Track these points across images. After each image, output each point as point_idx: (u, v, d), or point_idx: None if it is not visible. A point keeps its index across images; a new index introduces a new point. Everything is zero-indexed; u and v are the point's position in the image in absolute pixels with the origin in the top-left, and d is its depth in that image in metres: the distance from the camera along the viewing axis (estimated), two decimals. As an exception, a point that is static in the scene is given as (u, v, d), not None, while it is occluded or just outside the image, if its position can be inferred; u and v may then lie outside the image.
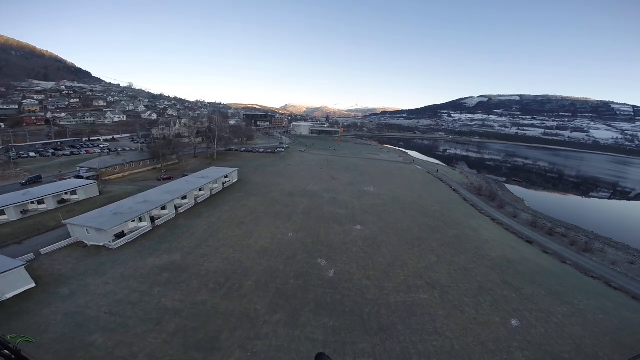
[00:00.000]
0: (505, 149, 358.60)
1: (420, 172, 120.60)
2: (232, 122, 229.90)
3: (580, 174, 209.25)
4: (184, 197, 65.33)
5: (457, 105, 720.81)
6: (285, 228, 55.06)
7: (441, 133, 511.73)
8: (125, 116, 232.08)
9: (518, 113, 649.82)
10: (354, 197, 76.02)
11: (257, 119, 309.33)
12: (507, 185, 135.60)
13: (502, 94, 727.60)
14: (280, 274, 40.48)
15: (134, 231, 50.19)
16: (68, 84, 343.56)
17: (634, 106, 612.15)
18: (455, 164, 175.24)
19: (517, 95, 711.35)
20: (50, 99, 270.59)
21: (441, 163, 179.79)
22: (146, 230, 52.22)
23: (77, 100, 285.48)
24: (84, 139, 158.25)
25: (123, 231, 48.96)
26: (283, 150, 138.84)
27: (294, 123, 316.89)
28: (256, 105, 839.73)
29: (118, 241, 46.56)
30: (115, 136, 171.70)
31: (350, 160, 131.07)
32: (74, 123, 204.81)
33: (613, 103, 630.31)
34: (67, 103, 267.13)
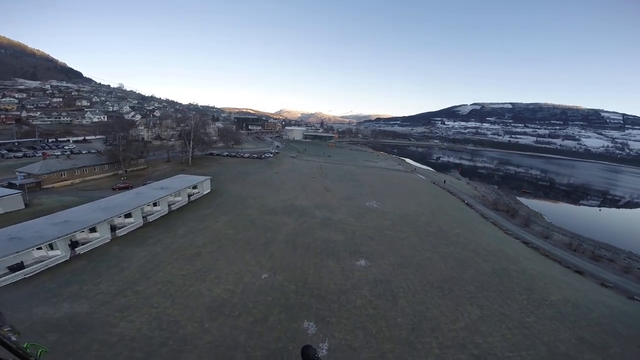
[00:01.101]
0: (501, 157, 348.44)
1: (425, 183, 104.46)
2: (220, 124, 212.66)
3: (585, 183, 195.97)
4: (128, 215, 48.04)
5: (451, 113, 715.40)
6: (259, 264, 37.97)
7: (436, 140, 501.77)
8: (106, 117, 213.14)
9: (510, 121, 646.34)
10: (354, 215, 59.21)
11: (248, 123, 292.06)
12: (518, 197, 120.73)
13: (494, 101, 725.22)
14: (239, 353, 23.51)
15: (40, 262, 33.48)
16: (55, 83, 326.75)
17: (623, 114, 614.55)
18: (460, 174, 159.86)
19: (510, 103, 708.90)
20: (32, 98, 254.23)
21: (434, 170, 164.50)
22: (59, 261, 35.18)
23: (60, 99, 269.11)
24: (50, 140, 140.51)
25: (22, 262, 32.06)
26: (271, 155, 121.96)
27: (287, 127, 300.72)
28: (250, 109, 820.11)
29: (10, 276, 30.00)
30: (88, 137, 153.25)
31: (346, 168, 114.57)
32: (48, 122, 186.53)
33: (603, 111, 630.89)
34: (47, 102, 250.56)
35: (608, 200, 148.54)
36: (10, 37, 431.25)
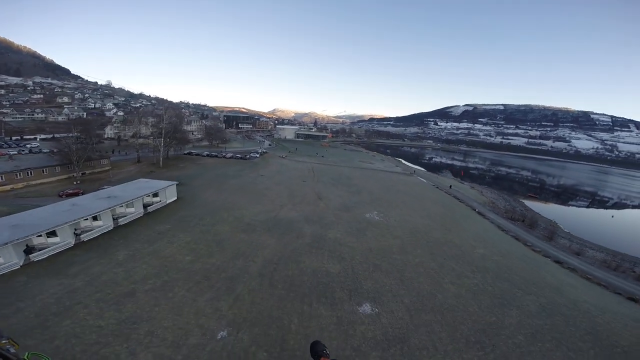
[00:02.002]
0: (495, 158, 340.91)
1: (428, 188, 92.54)
2: (207, 122, 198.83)
3: (586, 185, 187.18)
4: (52, 234, 35.17)
5: (443, 114, 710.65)
6: (216, 314, 25.49)
7: (429, 141, 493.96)
8: (85, 114, 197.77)
9: (502, 122, 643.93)
10: (353, 232, 46.73)
11: (238, 121, 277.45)
12: (525, 202, 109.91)
13: (486, 103, 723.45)
14: None
15: None
16: (38, 79, 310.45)
17: (612, 116, 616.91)
18: (462, 176, 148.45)
19: (501, 105, 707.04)
20: (10, 95, 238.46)
21: (436, 174, 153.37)
22: None
23: (41, 96, 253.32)
24: (14, 138, 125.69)
25: None
26: (257, 155, 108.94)
27: (279, 126, 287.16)
28: (243, 108, 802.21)
29: None
30: (58, 135, 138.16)
31: (342, 170, 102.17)
32: (20, 119, 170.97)
33: (592, 113, 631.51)
34: (26, 99, 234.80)
35: (616, 204, 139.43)
36: None
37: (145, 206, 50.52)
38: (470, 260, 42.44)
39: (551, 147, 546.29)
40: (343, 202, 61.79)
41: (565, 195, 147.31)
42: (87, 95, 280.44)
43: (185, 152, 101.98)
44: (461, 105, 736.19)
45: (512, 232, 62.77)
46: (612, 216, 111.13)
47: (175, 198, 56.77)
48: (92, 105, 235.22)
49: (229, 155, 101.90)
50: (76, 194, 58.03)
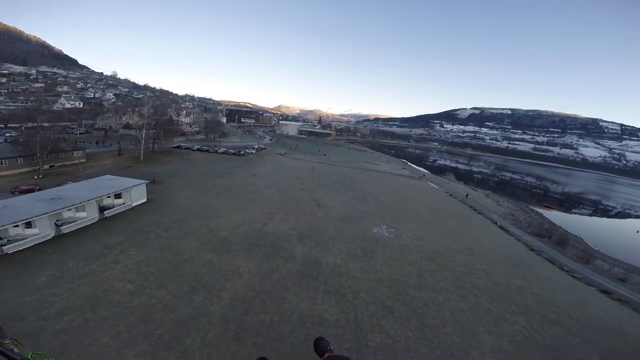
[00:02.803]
0: (502, 163, 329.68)
1: (441, 195, 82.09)
2: (207, 115, 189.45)
3: (600, 195, 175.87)
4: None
5: (450, 116, 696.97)
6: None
7: (435, 143, 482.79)
8: (82, 103, 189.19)
9: (509, 127, 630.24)
10: (357, 255, 36.72)
11: (240, 115, 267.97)
12: (543, 212, 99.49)
13: (494, 107, 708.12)
14: None
15: None
16: (44, 69, 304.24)
17: (621, 125, 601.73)
18: (476, 183, 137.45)
19: (509, 109, 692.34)
20: (12, 83, 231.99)
21: (449, 179, 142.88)
22: None
23: (42, 85, 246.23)
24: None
25: None
26: (253, 152, 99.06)
27: (281, 122, 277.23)
28: (249, 103, 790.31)
29: None
30: (46, 124, 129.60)
31: (345, 172, 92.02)
32: (13, 107, 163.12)
33: (601, 121, 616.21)
34: (26, 87, 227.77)
35: (636, 216, 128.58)
36: (7, 23, 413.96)
37: (103, 210, 40.96)
38: (507, 296, 32.75)
39: (558, 153, 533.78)
40: (346, 211, 51.72)
41: (581, 205, 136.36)
42: (89, 85, 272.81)
43: (175, 145, 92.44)
44: (468, 108, 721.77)
45: (544, 252, 52.63)
46: (638, 231, 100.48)
47: (144, 200, 47.10)
48: (92, 95, 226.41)
49: (222, 150, 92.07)
50: (31, 191, 48.85)
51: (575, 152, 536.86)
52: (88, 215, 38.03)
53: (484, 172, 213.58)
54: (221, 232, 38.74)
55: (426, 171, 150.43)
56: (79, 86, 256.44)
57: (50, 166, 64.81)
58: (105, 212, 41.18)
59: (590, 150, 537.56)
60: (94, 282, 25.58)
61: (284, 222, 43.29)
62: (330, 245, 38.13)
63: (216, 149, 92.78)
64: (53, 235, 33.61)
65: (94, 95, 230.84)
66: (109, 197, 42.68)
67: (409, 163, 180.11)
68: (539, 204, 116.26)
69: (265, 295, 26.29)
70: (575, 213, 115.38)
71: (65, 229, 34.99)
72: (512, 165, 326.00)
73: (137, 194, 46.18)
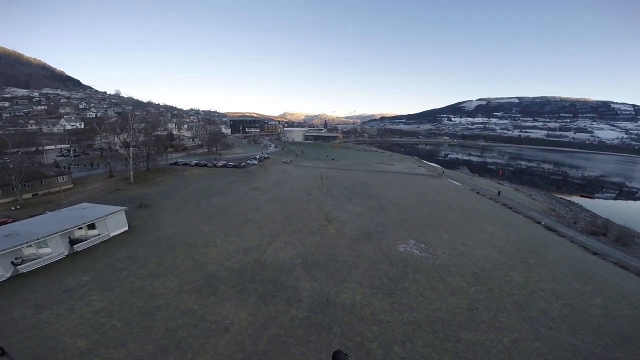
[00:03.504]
0: (517, 152, 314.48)
1: (469, 194, 71.83)
2: (209, 127, 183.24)
3: (630, 178, 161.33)
4: None
5: (456, 109, 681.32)
6: None
7: (445, 137, 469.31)
8: (83, 123, 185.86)
9: (518, 115, 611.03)
10: (382, 287, 27.44)
11: (245, 125, 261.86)
12: (580, 203, 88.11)
13: (500, 96, 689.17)
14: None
15: None
16: (48, 91, 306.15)
17: (634, 105, 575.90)
18: (501, 177, 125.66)
19: (516, 98, 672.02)
20: (15, 106, 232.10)
21: (468, 173, 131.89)
22: None
23: (45, 107, 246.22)
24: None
25: None
26: (256, 162, 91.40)
27: (286, 128, 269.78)
28: (254, 113, 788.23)
29: None
30: (42, 148, 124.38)
31: (357, 176, 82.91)
32: (12, 131, 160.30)
33: (613, 103, 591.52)
34: (27, 111, 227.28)
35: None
36: (6, 47, 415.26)
37: (74, 242, 33.75)
38: (592, 323, 24.06)
39: (573, 138, 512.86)
40: (362, 224, 42.71)
41: (617, 190, 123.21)
42: (91, 105, 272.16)
43: (171, 162, 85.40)
44: (474, 99, 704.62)
45: (609, 256, 42.43)
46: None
47: (125, 229, 39.37)
48: (94, 115, 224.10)
49: (221, 163, 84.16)
50: (4, 223, 41.69)
51: (591, 136, 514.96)
52: (53, 251, 30.80)
53: (503, 163, 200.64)
54: (209, 266, 30.46)
55: (443, 168, 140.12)
56: (81, 106, 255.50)
57: (33, 195, 58.10)
58: (76, 245, 33.92)
59: (606, 133, 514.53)
60: (39, 337, 18.28)
61: (288, 247, 34.60)
62: (347, 276, 29.26)
63: (215, 162, 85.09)
64: (8, 276, 26.69)
65: (96, 115, 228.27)
66: (80, 228, 35.53)
67: (423, 160, 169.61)
68: (572, 193, 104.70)
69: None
70: (613, 199, 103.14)
71: (24, 267, 27.80)
72: (529, 153, 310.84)
73: (114, 223, 38.46)
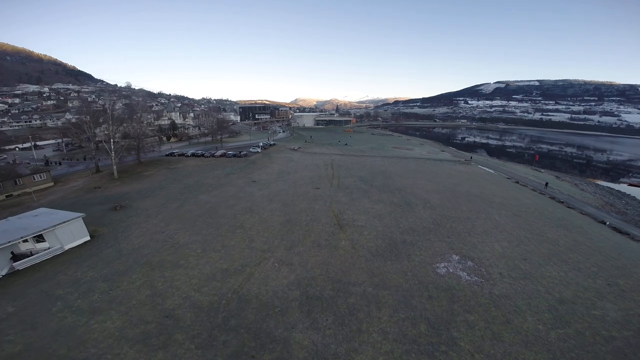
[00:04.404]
0: (540, 135, 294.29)
1: (508, 185, 59.64)
2: (216, 115, 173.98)
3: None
4: None
5: (473, 92, 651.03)
6: None
7: (463, 120, 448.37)
8: (88, 117, 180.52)
9: (539, 98, 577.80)
10: (421, 341, 17.20)
11: (254, 112, 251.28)
12: (630, 193, 74.76)
13: (519, 79, 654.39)
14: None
15: None
16: (60, 86, 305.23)
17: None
18: (537, 162, 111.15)
19: (536, 81, 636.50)
20: (25, 102, 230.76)
21: (500, 160, 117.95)
22: None
23: (54, 102, 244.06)
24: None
25: None
26: (259, 150, 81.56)
27: (296, 113, 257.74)
28: (265, 100, 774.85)
29: None
30: (40, 142, 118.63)
31: (373, 163, 71.89)
32: (17, 127, 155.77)
33: None
34: (36, 106, 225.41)
35: None
36: (15, 44, 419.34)
37: (17, 258, 25.63)
38: None
39: (598, 122, 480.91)
40: (385, 231, 32.31)
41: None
42: (101, 97, 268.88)
43: (168, 152, 76.60)
44: (492, 82, 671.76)
45: None
46: None
47: (86, 239, 30.73)
48: (101, 108, 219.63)
49: (219, 153, 74.47)
50: None
51: (618, 119, 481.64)
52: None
53: (532, 148, 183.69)
54: (170, 299, 21.17)
55: (468, 152, 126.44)
56: (90, 100, 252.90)
57: (7, 196, 50.54)
58: (17, 263, 25.74)
59: (635, 117, 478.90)
60: None
61: (283, 269, 24.71)
62: (365, 320, 19.22)
63: (213, 152, 75.79)
64: None
65: (103, 107, 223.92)
66: (26, 241, 27.32)
67: (443, 145, 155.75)
68: (616, 181, 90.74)
69: None
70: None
71: None
72: (553, 136, 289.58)
73: (68, 233, 29.65)
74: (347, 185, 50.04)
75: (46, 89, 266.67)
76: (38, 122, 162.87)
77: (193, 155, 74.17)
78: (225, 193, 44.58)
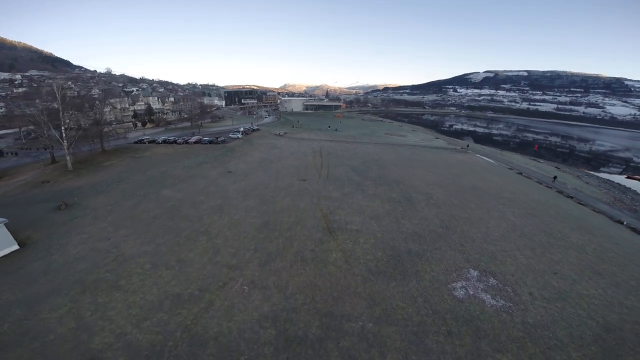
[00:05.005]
0: (528, 124, 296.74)
1: (512, 177, 54.34)
2: (205, 100, 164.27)
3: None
4: None
5: (462, 81, 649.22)
6: None
7: (452, 108, 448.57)
8: (59, 103, 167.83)
9: (527, 88, 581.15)
10: None
11: (240, 97, 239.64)
12: (630, 186, 71.59)
13: (508, 69, 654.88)
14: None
15: None
16: (31, 73, 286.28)
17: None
18: (536, 152, 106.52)
19: (525, 71, 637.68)
20: None
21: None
22: None
23: (25, 89, 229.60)
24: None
25: None
26: (240, 136, 73.79)
27: (284, 98, 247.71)
28: (254, 86, 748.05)
29: None
30: (1, 132, 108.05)
31: (366, 151, 65.65)
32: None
33: (626, 79, 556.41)
34: (5, 94, 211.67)
35: None
36: None
37: None
38: None
39: (584, 113, 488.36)
40: (385, 236, 26.29)
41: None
42: (78, 84, 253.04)
43: (137, 139, 68.32)
44: (481, 71, 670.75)
45: None
46: None
47: (13, 248, 24.10)
48: (75, 94, 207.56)
49: (194, 139, 66.63)
50: None
51: (602, 111, 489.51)
52: None
53: (519, 137, 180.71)
54: (98, 336, 15.13)
55: (460, 139, 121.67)
56: (66, 86, 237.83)
57: None
58: None
59: (619, 109, 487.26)
60: None
61: (254, 295, 18.52)
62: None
63: (187, 138, 67.89)
64: None
65: (77, 94, 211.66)
66: None
67: (435, 132, 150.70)
68: (613, 173, 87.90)
69: None
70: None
71: None
72: (541, 126, 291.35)
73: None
74: (338, 177, 43.82)
75: (18, 76, 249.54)
76: (2, 110, 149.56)
77: (164, 142, 65.90)
78: (194, 187, 37.64)
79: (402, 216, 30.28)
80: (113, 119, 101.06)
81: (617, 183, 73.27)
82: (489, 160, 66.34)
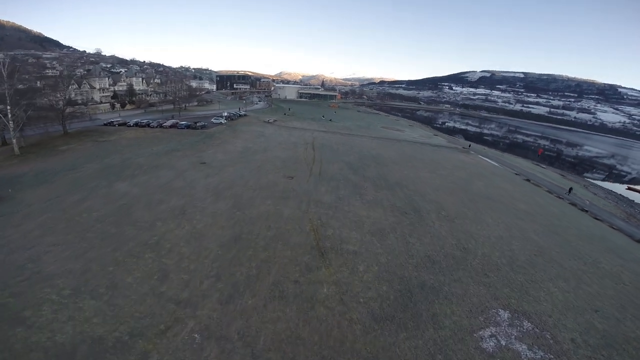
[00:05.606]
0: (520, 126, 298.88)
1: (522, 183, 50.22)
2: (194, 83, 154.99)
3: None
4: None
5: (459, 79, 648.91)
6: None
7: (447, 105, 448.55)
8: (39, 82, 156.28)
9: (522, 90, 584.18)
10: None
11: (233, 81, 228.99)
12: (633, 198, 68.37)
13: (505, 70, 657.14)
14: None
15: None
16: (15, 52, 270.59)
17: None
18: (540, 156, 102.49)
19: (522, 73, 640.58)
20: None
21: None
22: None
23: (3, 69, 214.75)
24: None
25: None
26: (222, 121, 66.93)
27: (277, 85, 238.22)
28: (249, 72, 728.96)
29: None
30: None
31: (363, 146, 59.74)
32: None
33: (620, 87, 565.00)
34: None
35: None
36: None
37: None
38: None
39: (575, 117, 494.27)
40: (390, 262, 20.48)
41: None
42: (64, 64, 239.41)
43: (107, 121, 60.73)
44: (478, 71, 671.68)
45: None
46: None
47: None
48: (57, 74, 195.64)
49: (169, 123, 59.62)
50: None
51: (593, 117, 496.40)
52: None
53: (516, 139, 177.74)
54: None
55: (459, 138, 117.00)
56: (49, 65, 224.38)
57: None
58: None
59: (609, 116, 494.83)
60: None
61: (208, 349, 12.59)
62: None
63: (162, 122, 60.59)
64: None
65: (61, 74, 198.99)
66: None
67: (433, 129, 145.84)
68: (615, 182, 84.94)
69: None
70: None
71: None
72: (533, 128, 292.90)
73: None
74: (332, 175, 37.97)
75: (1, 55, 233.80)
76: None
77: (136, 125, 58.52)
78: (156, 180, 31.18)
79: (410, 233, 24.70)
80: (86, 99, 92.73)
81: (620, 194, 69.98)
82: (493, 163, 61.56)
